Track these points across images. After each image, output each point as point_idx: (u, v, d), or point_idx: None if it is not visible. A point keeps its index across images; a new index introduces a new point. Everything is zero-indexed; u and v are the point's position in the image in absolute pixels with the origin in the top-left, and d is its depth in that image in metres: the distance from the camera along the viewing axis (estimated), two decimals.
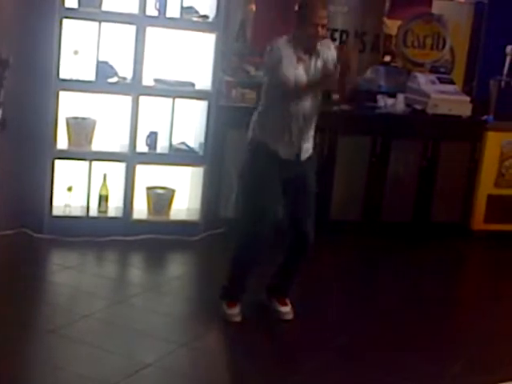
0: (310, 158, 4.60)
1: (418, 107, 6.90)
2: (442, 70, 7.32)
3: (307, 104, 4.46)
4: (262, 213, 4.51)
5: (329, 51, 4.53)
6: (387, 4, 7.92)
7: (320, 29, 4.37)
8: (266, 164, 4.49)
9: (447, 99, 6.88)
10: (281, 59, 4.35)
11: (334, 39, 7.19)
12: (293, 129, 4.46)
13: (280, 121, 4.47)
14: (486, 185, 7.10)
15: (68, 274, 5.27)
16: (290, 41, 4.45)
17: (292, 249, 4.71)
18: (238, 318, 4.67)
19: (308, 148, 4.58)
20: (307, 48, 4.45)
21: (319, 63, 4.49)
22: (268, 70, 4.57)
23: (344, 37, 7.29)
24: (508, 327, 5.10)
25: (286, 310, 4.79)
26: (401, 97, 6.89)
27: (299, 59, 4.43)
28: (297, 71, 4.39)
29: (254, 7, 7.07)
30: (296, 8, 4.45)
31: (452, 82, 7.15)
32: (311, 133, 4.59)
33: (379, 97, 6.97)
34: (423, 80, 6.99)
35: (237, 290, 4.73)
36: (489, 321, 5.15)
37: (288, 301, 4.82)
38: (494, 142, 7.05)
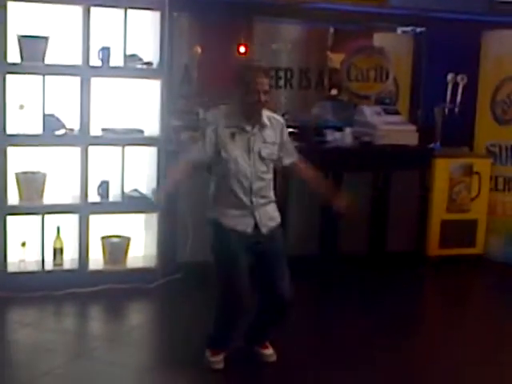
0: (274, 229, 4.53)
1: (366, 139, 6.99)
2: (387, 101, 7.45)
3: (248, 173, 4.39)
4: (233, 282, 4.45)
5: (275, 120, 4.49)
6: (330, 39, 8.02)
7: (262, 95, 4.28)
8: (226, 240, 4.44)
9: (393, 130, 6.98)
10: (204, 135, 4.37)
11: (278, 78, 7.30)
12: (242, 200, 4.40)
13: (226, 194, 4.42)
14: (439, 211, 7.21)
15: (27, 331, 5.20)
16: (228, 113, 4.40)
17: (268, 310, 4.62)
18: (220, 366, 4.62)
19: (267, 222, 4.48)
20: (250, 117, 4.36)
21: (267, 133, 4.42)
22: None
23: (289, 75, 7.38)
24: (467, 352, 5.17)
25: (269, 352, 4.78)
26: (348, 130, 6.97)
27: (233, 135, 4.34)
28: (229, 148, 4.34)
29: (199, 49, 7.11)
30: (235, 76, 4.39)
31: (397, 113, 7.28)
32: (269, 205, 4.52)
33: (327, 131, 7.04)
34: (369, 112, 7.09)
35: (220, 341, 4.68)
36: (449, 348, 5.22)
37: (268, 344, 4.80)
38: (443, 169, 7.18)
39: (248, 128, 4.38)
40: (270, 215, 4.51)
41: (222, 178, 4.42)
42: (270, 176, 4.50)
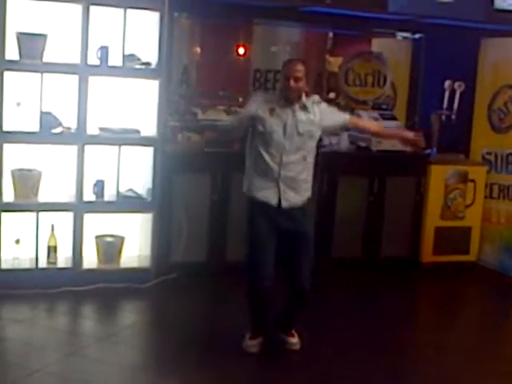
0: (302, 207, 4.76)
1: (362, 144, 7.00)
2: (384, 106, 7.46)
3: (281, 146, 4.68)
4: (256, 263, 4.72)
5: (317, 105, 4.83)
6: (329, 42, 8.04)
7: (292, 81, 4.65)
8: (257, 217, 4.71)
9: None
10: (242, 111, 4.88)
11: (276, 80, 7.30)
12: (271, 170, 4.67)
13: (258, 165, 4.72)
14: (433, 217, 7.23)
15: (19, 328, 5.20)
16: (266, 97, 4.89)
17: (290, 296, 4.89)
18: (253, 349, 4.92)
19: (290, 198, 4.70)
20: (285, 99, 4.73)
21: (303, 116, 4.73)
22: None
23: None
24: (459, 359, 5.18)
25: (294, 340, 5.05)
26: (344, 135, 6.96)
27: (272, 110, 4.70)
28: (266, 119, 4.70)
29: (198, 50, 7.13)
30: None
31: (394, 118, 7.27)
32: (298, 182, 4.75)
33: (323, 135, 7.04)
34: (366, 117, 7.08)
35: (254, 325, 4.95)
36: (439, 353, 5.22)
37: (294, 332, 5.06)
38: (438, 175, 7.19)
39: (285, 108, 4.72)
40: (295, 191, 4.72)
41: (256, 150, 4.72)
42: (305, 154, 4.77)
